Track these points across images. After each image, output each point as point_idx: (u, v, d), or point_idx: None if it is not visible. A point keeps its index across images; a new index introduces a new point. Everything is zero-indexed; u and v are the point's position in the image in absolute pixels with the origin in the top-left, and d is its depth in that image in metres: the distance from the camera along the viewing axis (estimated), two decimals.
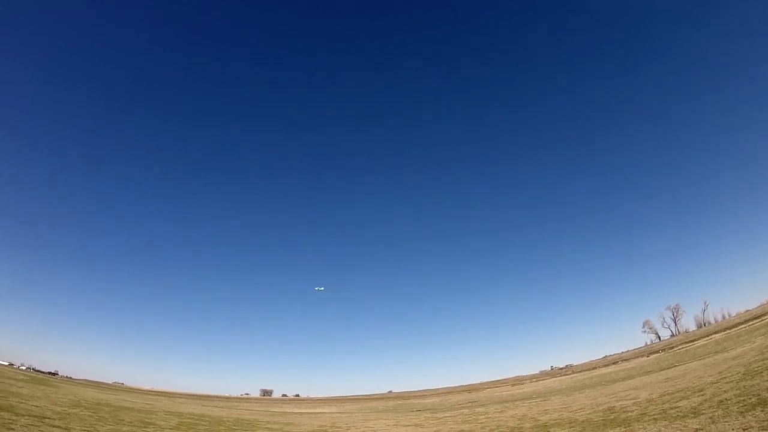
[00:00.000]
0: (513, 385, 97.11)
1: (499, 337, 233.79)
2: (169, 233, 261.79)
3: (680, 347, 73.71)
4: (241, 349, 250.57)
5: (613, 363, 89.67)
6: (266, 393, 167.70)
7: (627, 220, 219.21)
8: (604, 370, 74.32)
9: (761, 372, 16.11)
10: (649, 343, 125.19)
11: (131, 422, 23.42)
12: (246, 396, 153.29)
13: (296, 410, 68.18)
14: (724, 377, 18.41)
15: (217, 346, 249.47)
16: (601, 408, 21.48)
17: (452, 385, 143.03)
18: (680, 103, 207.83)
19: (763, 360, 19.76)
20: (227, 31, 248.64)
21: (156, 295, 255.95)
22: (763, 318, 64.06)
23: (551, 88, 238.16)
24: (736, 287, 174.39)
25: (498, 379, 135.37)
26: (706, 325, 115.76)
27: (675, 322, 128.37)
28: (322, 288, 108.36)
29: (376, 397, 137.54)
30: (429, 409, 50.00)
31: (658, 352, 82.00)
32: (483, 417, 28.75)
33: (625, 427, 14.35)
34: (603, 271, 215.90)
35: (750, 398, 12.17)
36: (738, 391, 14.07)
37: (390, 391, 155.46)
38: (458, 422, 28.31)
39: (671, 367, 38.82)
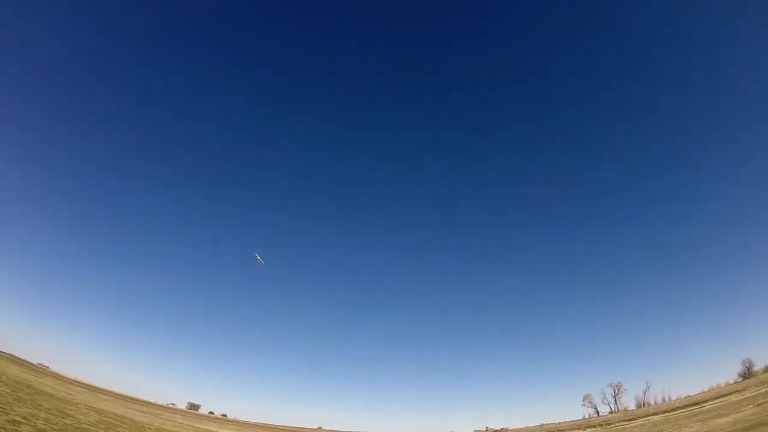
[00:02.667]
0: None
1: (438, 390, 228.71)
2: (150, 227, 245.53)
3: (617, 425, 74.80)
4: (175, 357, 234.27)
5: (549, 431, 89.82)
6: (193, 407, 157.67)
7: (585, 291, 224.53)
8: None
9: None
10: (587, 417, 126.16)
11: (49, 409, 21.54)
12: (172, 406, 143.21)
13: (222, 430, 64.49)
14: None
15: (150, 348, 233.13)
16: None
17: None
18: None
19: None
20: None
21: (98, 275, 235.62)
22: (703, 405, 66.31)
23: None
24: (679, 372, 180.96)
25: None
26: (646, 405, 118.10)
27: (615, 399, 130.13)
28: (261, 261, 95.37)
29: (305, 431, 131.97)
30: None
31: (594, 426, 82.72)
32: None
33: None
34: (553, 341, 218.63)
35: None
36: None
37: (320, 428, 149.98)
38: None
39: None
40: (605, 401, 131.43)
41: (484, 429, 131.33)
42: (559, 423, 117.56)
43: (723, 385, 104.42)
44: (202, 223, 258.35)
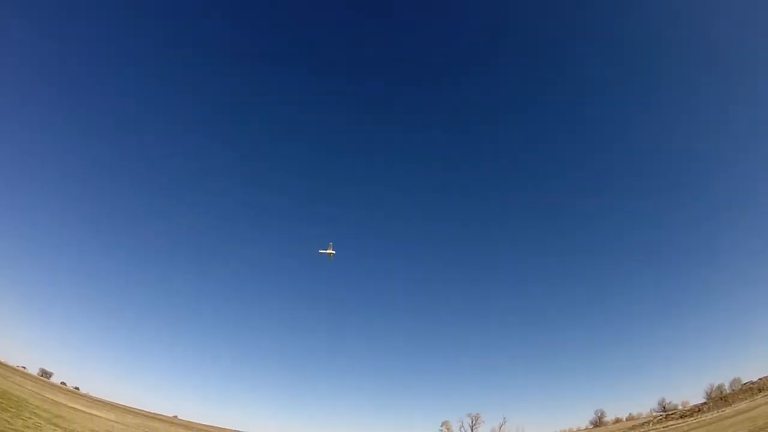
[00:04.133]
0: None
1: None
2: None
3: None
4: (28, 315, 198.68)
5: None
6: (45, 374, 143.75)
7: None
8: None
9: None
10: None
11: None
12: (22, 369, 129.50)
13: (72, 404, 61.30)
14: None
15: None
16: None
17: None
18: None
19: None
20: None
21: None
22: None
23: None
24: (536, 411, 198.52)
25: None
26: None
27: (472, 429, 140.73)
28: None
29: (159, 417, 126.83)
30: None
31: None
32: None
33: None
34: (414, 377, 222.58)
35: None
36: None
37: (175, 416, 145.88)
38: None
39: None
40: (462, 430, 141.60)
41: None
42: None
43: (575, 430, 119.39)
44: None
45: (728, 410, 63.59)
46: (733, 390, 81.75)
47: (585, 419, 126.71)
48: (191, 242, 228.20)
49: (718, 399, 78.51)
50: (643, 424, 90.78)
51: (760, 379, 77.06)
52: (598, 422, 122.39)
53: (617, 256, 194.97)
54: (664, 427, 77.01)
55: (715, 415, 64.80)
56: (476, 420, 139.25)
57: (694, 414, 74.87)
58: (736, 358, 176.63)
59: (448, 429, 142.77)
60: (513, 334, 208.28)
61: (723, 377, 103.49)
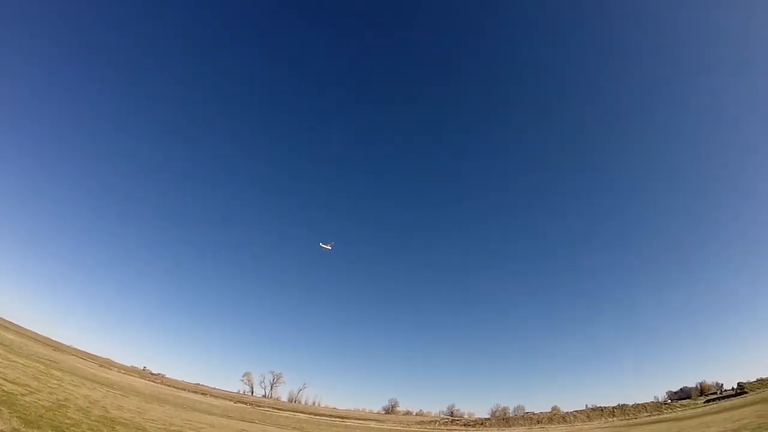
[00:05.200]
0: (100, 366, 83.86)
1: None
2: None
3: (266, 409, 79.52)
4: None
5: (202, 393, 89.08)
6: None
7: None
8: (179, 393, 72.28)
9: None
10: (241, 393, 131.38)
11: None
12: None
13: None
14: None
15: None
16: (172, 429, 18.73)
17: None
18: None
19: None
20: None
21: None
22: (345, 419, 76.81)
23: None
24: (338, 384, 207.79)
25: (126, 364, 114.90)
26: (297, 402, 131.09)
27: (272, 386, 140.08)
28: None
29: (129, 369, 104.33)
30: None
31: (246, 404, 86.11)
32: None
33: None
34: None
35: None
36: None
37: (145, 368, 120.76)
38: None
39: (252, 422, 39.89)
40: (262, 385, 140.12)
41: (143, 368, 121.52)
42: (214, 388, 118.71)
43: (368, 411, 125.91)
44: None
45: (507, 431, 72.88)
46: (516, 415, 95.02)
47: (380, 405, 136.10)
48: None
49: (501, 419, 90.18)
50: (430, 422, 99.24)
51: (540, 412, 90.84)
52: (390, 410, 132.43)
53: None
54: (448, 430, 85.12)
55: (495, 431, 73.79)
56: (278, 379, 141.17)
57: (477, 426, 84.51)
58: (523, 390, 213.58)
59: (249, 381, 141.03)
60: (325, 308, 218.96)
61: (509, 402, 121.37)
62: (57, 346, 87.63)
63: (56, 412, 14.74)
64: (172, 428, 19.00)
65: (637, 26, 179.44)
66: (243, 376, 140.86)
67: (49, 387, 21.47)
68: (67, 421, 13.68)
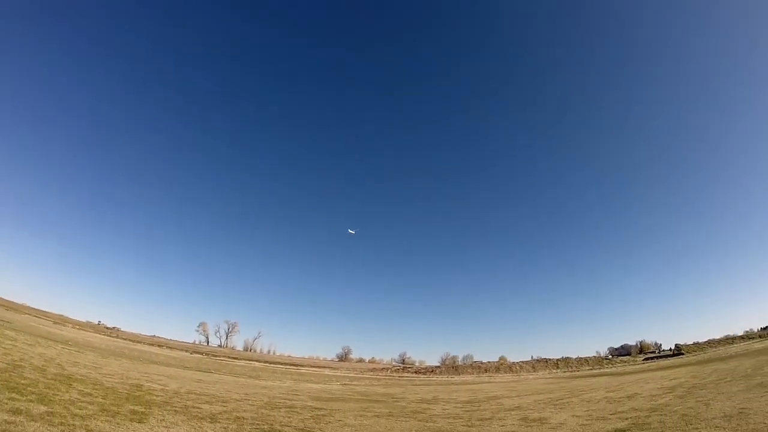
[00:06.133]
0: (54, 323, 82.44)
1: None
2: None
3: (222, 359, 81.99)
4: None
5: (158, 345, 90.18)
6: None
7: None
8: (135, 346, 73.02)
9: (280, 407, 19.03)
10: (197, 343, 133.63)
11: None
12: None
13: None
14: (250, 399, 20.80)
15: None
16: (129, 382, 20.15)
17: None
18: None
19: (285, 398, 23.68)
20: None
21: None
22: (300, 367, 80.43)
23: None
24: (291, 334, 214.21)
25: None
26: (252, 351, 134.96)
27: (227, 336, 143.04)
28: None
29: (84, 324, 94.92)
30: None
31: (202, 354, 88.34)
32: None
33: (145, 408, 13.60)
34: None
35: (264, 425, 13.85)
36: (253, 415, 15.84)
37: (100, 322, 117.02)
38: None
39: (208, 372, 41.85)
40: (218, 335, 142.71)
41: (97, 322, 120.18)
42: (170, 339, 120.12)
43: (322, 359, 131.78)
44: None
45: (456, 378, 79.51)
46: (464, 363, 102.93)
47: (333, 353, 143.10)
48: None
49: (451, 367, 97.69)
50: (382, 369, 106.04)
51: (488, 361, 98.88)
52: (344, 357, 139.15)
53: None
54: (399, 376, 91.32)
55: (444, 378, 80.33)
56: (233, 328, 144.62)
57: (428, 373, 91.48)
58: (472, 340, 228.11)
59: (204, 331, 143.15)
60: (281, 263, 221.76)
61: (459, 351, 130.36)
62: (9, 305, 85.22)
63: (12, 373, 15.56)
64: (129, 381, 20.34)
65: (628, 23, 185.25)
66: (198, 326, 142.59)
67: (3, 348, 22.11)
68: (23, 381, 14.46)
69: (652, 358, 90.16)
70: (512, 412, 19.82)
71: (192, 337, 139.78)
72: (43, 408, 10.93)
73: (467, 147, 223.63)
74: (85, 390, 15.20)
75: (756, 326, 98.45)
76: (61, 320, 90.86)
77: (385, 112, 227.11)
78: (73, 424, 9.90)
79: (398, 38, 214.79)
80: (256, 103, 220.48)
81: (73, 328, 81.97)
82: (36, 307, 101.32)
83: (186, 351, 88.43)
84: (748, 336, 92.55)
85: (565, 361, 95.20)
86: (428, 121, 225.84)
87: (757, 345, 71.27)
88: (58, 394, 13.33)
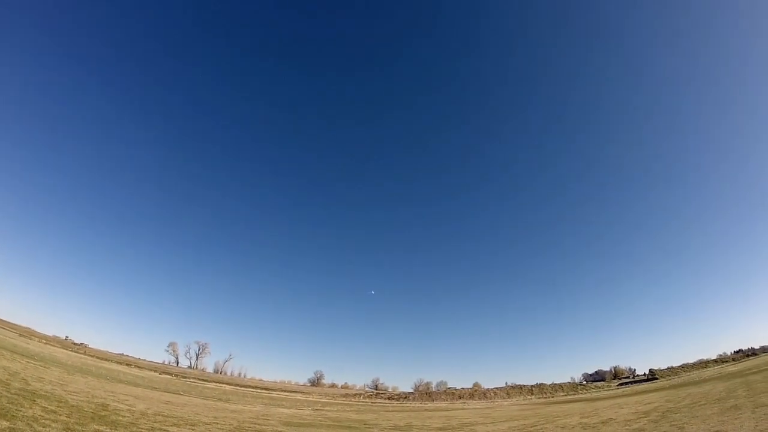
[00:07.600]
0: (20, 335, 79.13)
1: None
2: None
3: (192, 380, 79.63)
4: None
5: (126, 364, 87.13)
6: None
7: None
8: (102, 364, 70.53)
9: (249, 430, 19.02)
10: (167, 363, 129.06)
11: None
12: None
13: None
14: (219, 423, 20.65)
15: None
16: (95, 401, 19.83)
17: None
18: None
19: (255, 423, 23.48)
20: None
21: None
22: (271, 391, 78.56)
23: None
24: (263, 358, 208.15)
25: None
26: (222, 373, 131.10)
27: (197, 357, 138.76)
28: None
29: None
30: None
31: (171, 374, 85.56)
32: None
33: (111, 429, 13.59)
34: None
35: None
36: None
37: (67, 337, 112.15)
38: None
39: (177, 394, 40.85)
40: (188, 355, 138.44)
41: (65, 337, 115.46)
42: (139, 359, 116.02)
43: (293, 383, 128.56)
44: None
45: (430, 404, 78.86)
46: (438, 390, 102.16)
47: (305, 377, 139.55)
48: None
49: (424, 393, 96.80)
50: (355, 395, 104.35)
51: (462, 388, 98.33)
52: (316, 382, 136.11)
53: None
54: (372, 402, 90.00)
55: (418, 404, 79.56)
56: (203, 349, 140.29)
57: (401, 399, 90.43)
58: (445, 366, 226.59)
59: (174, 351, 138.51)
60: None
61: (432, 377, 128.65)
62: None
63: None
64: (95, 400, 20.01)
65: (624, 23, 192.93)
66: (168, 346, 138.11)
67: None
68: None
69: (626, 383, 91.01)
70: None
71: (161, 356, 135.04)
72: (5, 423, 10.94)
73: (438, 175, 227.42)
74: (49, 407, 15.06)
75: (729, 350, 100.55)
76: (27, 333, 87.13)
77: (366, 135, 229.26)
78: None
79: (380, 61, 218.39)
80: (237, 123, 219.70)
81: (39, 342, 78.65)
82: (1, 319, 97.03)
83: (155, 371, 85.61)
84: (721, 359, 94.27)
85: (540, 388, 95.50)
86: (397, 148, 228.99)
87: (731, 368, 72.25)
88: (21, 410, 13.24)
